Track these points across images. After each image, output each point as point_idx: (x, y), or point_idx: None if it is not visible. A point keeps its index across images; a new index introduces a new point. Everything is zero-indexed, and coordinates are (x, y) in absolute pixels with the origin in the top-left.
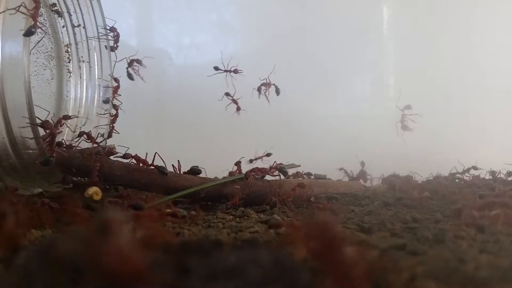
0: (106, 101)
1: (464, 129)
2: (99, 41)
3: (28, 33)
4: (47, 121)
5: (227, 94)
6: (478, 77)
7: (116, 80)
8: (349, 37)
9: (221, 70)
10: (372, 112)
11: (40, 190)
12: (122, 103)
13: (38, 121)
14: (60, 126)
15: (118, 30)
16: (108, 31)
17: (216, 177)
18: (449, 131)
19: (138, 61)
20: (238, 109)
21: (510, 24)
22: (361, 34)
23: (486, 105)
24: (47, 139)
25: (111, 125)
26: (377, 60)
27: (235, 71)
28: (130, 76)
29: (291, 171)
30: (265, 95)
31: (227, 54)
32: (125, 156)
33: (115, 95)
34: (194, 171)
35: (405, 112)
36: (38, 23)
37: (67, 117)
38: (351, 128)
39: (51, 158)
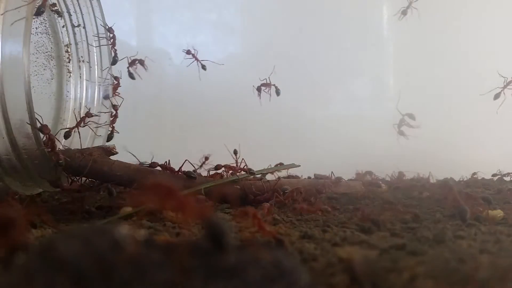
0: (106, 97)
1: (464, 130)
2: (99, 41)
3: (38, 12)
4: (46, 125)
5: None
6: (478, 78)
7: (116, 78)
8: (349, 37)
9: (190, 56)
10: (372, 113)
11: (40, 190)
12: (123, 99)
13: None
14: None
15: (114, 33)
16: (107, 31)
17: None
18: (449, 132)
19: (141, 62)
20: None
21: (510, 25)
22: (361, 34)
23: (487, 106)
24: (48, 144)
25: (111, 126)
26: (377, 60)
27: (203, 67)
28: (131, 75)
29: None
30: (268, 93)
31: (227, 54)
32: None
33: (115, 92)
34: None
35: (405, 119)
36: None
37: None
38: (350, 128)
39: (60, 161)
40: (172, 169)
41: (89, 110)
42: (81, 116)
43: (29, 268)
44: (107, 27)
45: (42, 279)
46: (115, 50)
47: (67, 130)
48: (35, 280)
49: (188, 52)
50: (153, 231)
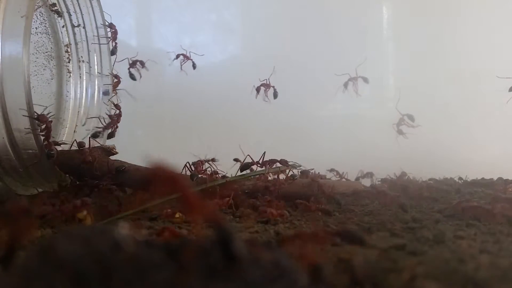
0: (105, 93)
1: (464, 130)
2: (98, 41)
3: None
4: (43, 115)
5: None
6: (478, 78)
7: (116, 76)
8: (349, 37)
9: (181, 55)
10: (372, 112)
11: (39, 190)
12: (126, 96)
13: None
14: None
15: (116, 27)
16: (107, 27)
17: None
18: (449, 132)
19: (142, 63)
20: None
21: (510, 24)
22: (361, 34)
23: (486, 106)
24: (43, 133)
25: (115, 125)
26: (377, 60)
27: (193, 66)
28: (132, 77)
29: None
30: (266, 95)
31: (227, 54)
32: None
33: (115, 90)
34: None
35: (404, 119)
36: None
37: None
38: (350, 128)
39: (52, 152)
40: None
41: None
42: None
43: (29, 268)
44: (107, 23)
45: (42, 279)
46: (116, 43)
47: (98, 130)
48: (35, 280)
49: (178, 56)
50: (153, 231)
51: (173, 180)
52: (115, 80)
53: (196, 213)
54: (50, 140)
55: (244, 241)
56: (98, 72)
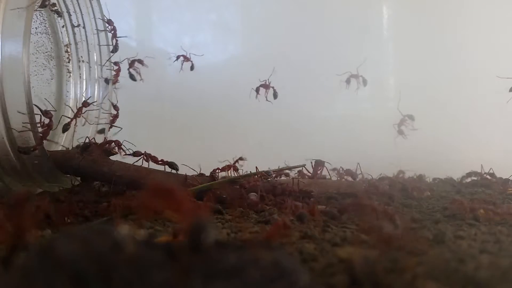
0: (106, 81)
1: (465, 130)
2: (98, 39)
3: (43, 5)
4: (49, 111)
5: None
6: (478, 77)
7: (116, 63)
8: (349, 37)
9: (181, 56)
10: (372, 112)
11: (40, 190)
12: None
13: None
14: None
15: (114, 24)
16: (106, 23)
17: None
18: (449, 131)
19: (140, 61)
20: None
21: (510, 24)
22: (361, 34)
23: (487, 105)
24: (43, 129)
25: (110, 125)
26: (377, 60)
27: (191, 68)
28: (132, 77)
29: None
30: (265, 96)
31: (227, 54)
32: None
33: (117, 78)
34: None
35: (405, 119)
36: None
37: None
38: (351, 128)
39: (32, 149)
40: (154, 158)
41: (87, 99)
42: (78, 107)
43: (29, 268)
44: (106, 19)
45: (42, 279)
46: (116, 40)
47: (65, 123)
48: (35, 280)
49: (178, 57)
50: (153, 231)
51: (164, 188)
52: (116, 67)
53: (184, 212)
54: (43, 140)
55: (242, 240)
56: (98, 76)
